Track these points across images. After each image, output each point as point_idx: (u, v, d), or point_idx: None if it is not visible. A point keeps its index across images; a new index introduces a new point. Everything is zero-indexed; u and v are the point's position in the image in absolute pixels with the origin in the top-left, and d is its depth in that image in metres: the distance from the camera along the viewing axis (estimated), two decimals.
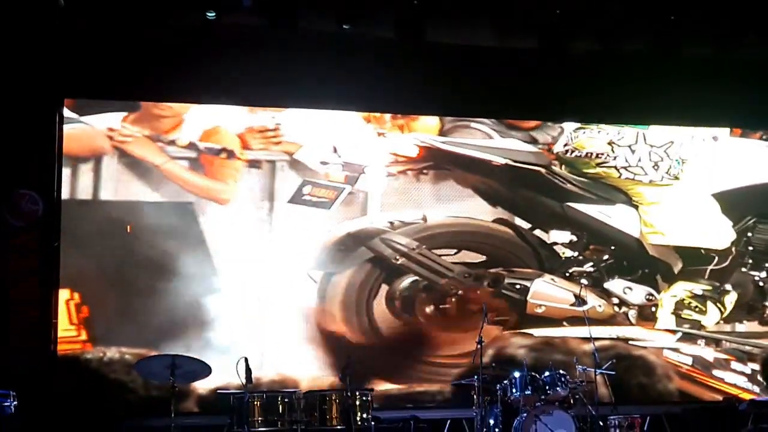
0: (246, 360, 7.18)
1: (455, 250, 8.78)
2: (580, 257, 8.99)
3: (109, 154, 8.27)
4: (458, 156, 8.78)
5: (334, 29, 8.20)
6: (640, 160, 9.10)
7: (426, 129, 8.78)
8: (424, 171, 8.73)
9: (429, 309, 8.70)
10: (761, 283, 9.31)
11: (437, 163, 8.76)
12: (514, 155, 8.89)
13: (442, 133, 8.81)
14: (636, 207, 9.05)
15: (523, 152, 8.93)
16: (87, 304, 8.09)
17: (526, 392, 7.53)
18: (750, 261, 9.29)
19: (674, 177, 9.12)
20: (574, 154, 9.06)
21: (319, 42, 8.34)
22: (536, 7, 8.25)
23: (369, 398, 7.63)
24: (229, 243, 8.30)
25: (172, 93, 8.44)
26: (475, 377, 7.60)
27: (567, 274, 8.93)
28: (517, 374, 7.62)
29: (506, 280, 8.78)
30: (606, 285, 9.02)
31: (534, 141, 8.97)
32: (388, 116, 8.75)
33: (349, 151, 8.57)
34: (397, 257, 8.56)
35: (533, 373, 7.66)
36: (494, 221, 8.89)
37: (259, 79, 8.44)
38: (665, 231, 9.03)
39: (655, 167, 9.11)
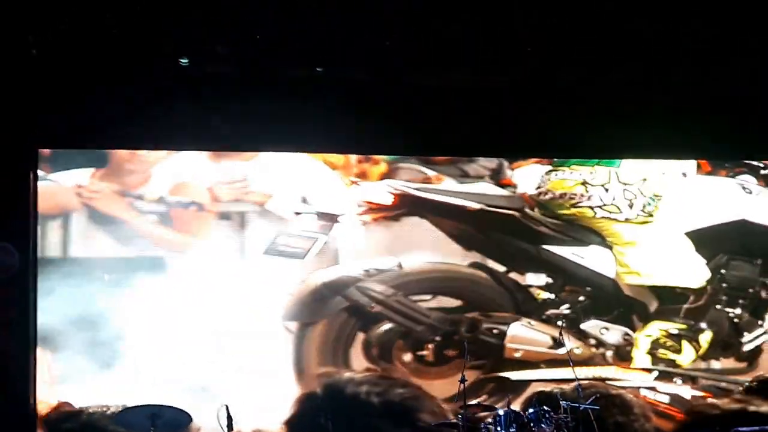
0: (227, 407, 7.09)
1: (431, 296, 8.75)
2: (556, 299, 8.98)
3: (77, 211, 8.18)
4: (432, 202, 8.75)
5: (306, 73, 8.20)
6: (614, 199, 9.12)
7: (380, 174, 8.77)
8: (399, 218, 8.71)
9: (407, 356, 8.66)
10: (736, 320, 9.33)
11: (411, 210, 8.73)
12: (488, 200, 8.87)
13: (389, 175, 8.78)
14: (610, 247, 9.06)
15: (497, 196, 8.92)
16: (61, 360, 7.99)
17: (510, 429, 7.36)
18: (724, 298, 9.31)
19: (649, 214, 9.14)
20: (548, 196, 9.07)
21: (291, 86, 8.32)
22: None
23: None
24: (202, 296, 8.21)
25: (143, 141, 8.35)
26: (459, 416, 7.49)
27: (543, 317, 8.91)
28: (501, 412, 7.49)
29: (483, 325, 8.75)
30: (582, 326, 9.00)
31: (465, 174, 8.92)
32: (352, 160, 8.71)
33: (322, 200, 8.53)
34: (373, 305, 8.51)
35: (517, 410, 7.58)
36: (469, 266, 8.86)
37: (231, 124, 8.34)
38: (640, 271, 9.04)
39: (630, 205, 9.13)
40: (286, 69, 8.23)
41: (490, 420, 7.56)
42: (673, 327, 9.11)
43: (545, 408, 7.65)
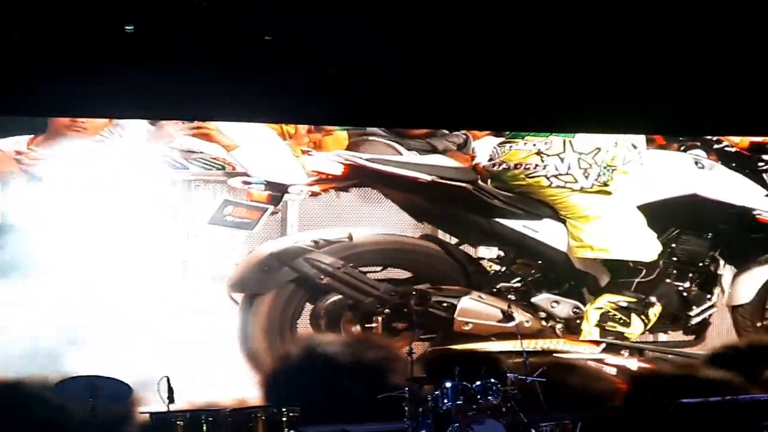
0: (168, 379, 7.07)
1: (381, 268, 8.65)
2: (508, 272, 8.95)
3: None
4: (383, 173, 8.61)
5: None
6: (569, 168, 9.07)
7: (336, 144, 8.60)
8: (349, 189, 8.57)
9: (355, 328, 8.57)
10: (685, 294, 9.39)
11: (362, 181, 8.60)
12: (441, 171, 8.76)
13: (350, 147, 8.62)
14: (564, 221, 9.02)
15: (449, 168, 8.80)
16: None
17: (457, 402, 7.41)
18: (674, 272, 9.35)
19: (604, 183, 9.10)
20: (502, 167, 8.98)
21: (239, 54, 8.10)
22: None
23: (297, 414, 7.45)
24: (147, 265, 8.04)
25: (87, 108, 8.10)
26: (406, 389, 7.52)
27: (494, 290, 8.88)
28: (448, 384, 7.50)
29: (433, 298, 8.68)
30: (533, 299, 8.98)
31: (434, 149, 8.82)
32: (303, 130, 8.52)
33: (271, 169, 8.35)
34: (322, 276, 8.39)
35: (464, 383, 7.56)
36: (420, 237, 8.77)
37: (178, 92, 8.15)
38: (593, 245, 9.02)
39: (585, 175, 9.09)
40: (237, 38, 8.02)
41: (437, 391, 7.58)
42: (623, 300, 9.12)
43: (492, 380, 7.68)
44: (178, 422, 7.22)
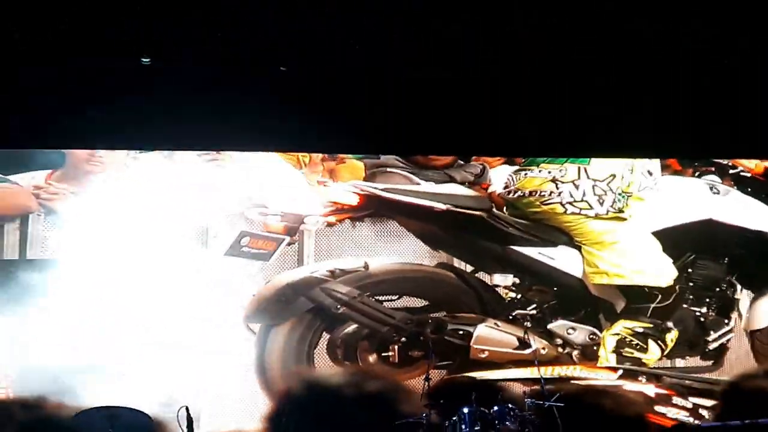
0: (187, 409, 7.07)
1: (397, 296, 8.68)
2: (523, 299, 8.94)
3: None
4: (399, 203, 8.65)
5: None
6: (584, 195, 9.08)
7: (353, 174, 8.66)
8: (365, 219, 8.62)
9: (371, 357, 8.60)
10: (702, 319, 9.35)
11: (378, 211, 8.64)
12: (456, 200, 8.78)
13: (366, 178, 8.68)
14: (579, 248, 9.01)
15: (465, 197, 8.83)
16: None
17: (475, 428, 7.40)
18: (691, 297, 9.31)
19: (619, 210, 9.10)
20: (517, 195, 9.01)
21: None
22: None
23: None
24: (165, 296, 8.09)
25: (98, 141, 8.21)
26: (423, 414, 7.53)
27: (510, 317, 8.88)
28: (465, 410, 7.49)
29: (449, 326, 8.70)
30: (549, 326, 8.97)
31: (452, 180, 8.87)
32: (318, 158, 8.59)
33: (287, 200, 8.42)
34: (338, 306, 8.42)
35: (482, 408, 7.55)
36: (436, 266, 8.80)
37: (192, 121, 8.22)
38: (608, 271, 9.00)
39: (600, 201, 9.09)
40: (253, 67, 8.09)
41: (455, 418, 7.58)
42: (639, 326, 9.10)
43: (510, 405, 7.69)
44: None
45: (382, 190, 8.63)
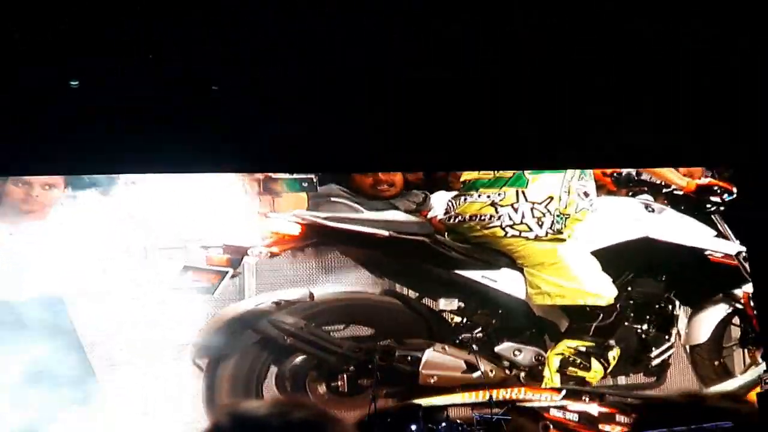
0: None
1: (344, 325, 8.68)
2: (469, 322, 9.00)
3: None
4: (342, 231, 8.68)
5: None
6: (523, 217, 9.21)
7: (297, 204, 8.67)
8: (308, 248, 8.62)
9: (321, 387, 8.55)
10: (644, 335, 9.52)
11: (321, 240, 8.65)
12: (398, 226, 8.84)
13: (309, 208, 8.70)
14: (521, 269, 9.13)
15: (407, 222, 8.90)
16: None
17: None
18: (632, 315, 9.48)
19: (558, 231, 9.24)
20: (457, 220, 9.11)
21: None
22: None
23: None
24: (106, 334, 7.97)
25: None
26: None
27: (457, 341, 8.92)
28: (413, 427, 7.56)
29: (397, 353, 8.72)
30: (496, 348, 9.04)
31: (395, 209, 8.95)
32: (255, 191, 8.59)
33: (229, 232, 8.38)
34: (285, 337, 8.38)
35: (430, 425, 7.59)
36: (381, 293, 8.83)
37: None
38: (550, 291, 9.13)
39: (539, 223, 9.23)
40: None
41: None
42: (582, 345, 9.21)
43: (458, 421, 7.79)
44: None
45: (324, 218, 8.66)
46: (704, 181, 9.89)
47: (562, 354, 9.17)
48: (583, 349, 9.20)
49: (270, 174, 8.54)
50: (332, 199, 8.71)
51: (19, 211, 8.07)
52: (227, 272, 8.33)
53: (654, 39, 8.50)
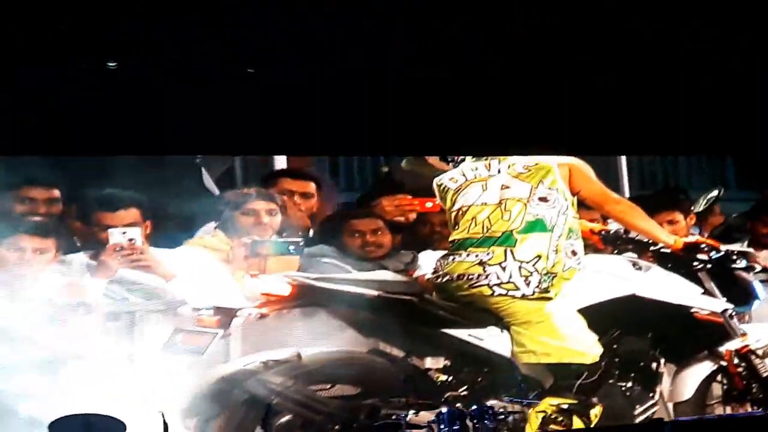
0: (163, 415, 7.22)
1: (330, 385, 8.83)
2: (455, 381, 9.14)
3: None
4: (330, 291, 8.84)
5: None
6: (511, 276, 9.33)
7: (288, 266, 8.87)
8: (297, 308, 8.78)
9: None
10: (628, 393, 9.66)
11: (309, 300, 8.81)
12: (386, 286, 8.99)
13: (300, 269, 8.93)
14: (507, 328, 9.27)
15: (395, 282, 9.07)
16: None
17: (454, 427, 7.66)
18: (617, 372, 9.64)
19: (545, 290, 9.36)
20: (445, 279, 9.25)
21: None
22: None
23: None
24: (98, 395, 8.11)
25: None
26: (403, 414, 7.81)
27: (443, 400, 9.05)
28: (444, 409, 7.82)
29: (383, 411, 8.86)
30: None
31: (384, 269, 9.19)
32: (242, 255, 8.81)
33: (219, 294, 8.57)
34: (272, 397, 8.54)
35: (460, 408, 7.82)
36: (368, 352, 8.99)
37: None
38: (536, 350, 9.26)
39: (527, 282, 9.36)
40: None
41: (432, 418, 7.85)
42: (564, 402, 9.29)
43: (488, 404, 7.99)
44: None
45: (314, 279, 8.82)
46: (692, 239, 10.06)
47: (544, 412, 9.29)
48: (565, 406, 9.32)
49: (256, 237, 8.77)
50: (323, 260, 8.88)
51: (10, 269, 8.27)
52: (218, 333, 8.50)
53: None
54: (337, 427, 8.76)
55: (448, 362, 9.16)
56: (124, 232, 8.39)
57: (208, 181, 8.95)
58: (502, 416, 7.96)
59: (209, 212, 8.91)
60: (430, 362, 9.10)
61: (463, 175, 9.65)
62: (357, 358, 8.93)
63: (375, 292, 8.96)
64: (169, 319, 8.45)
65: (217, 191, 9.04)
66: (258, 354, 8.62)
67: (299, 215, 9.24)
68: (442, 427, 7.68)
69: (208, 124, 8.66)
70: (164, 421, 7.19)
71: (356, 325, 8.95)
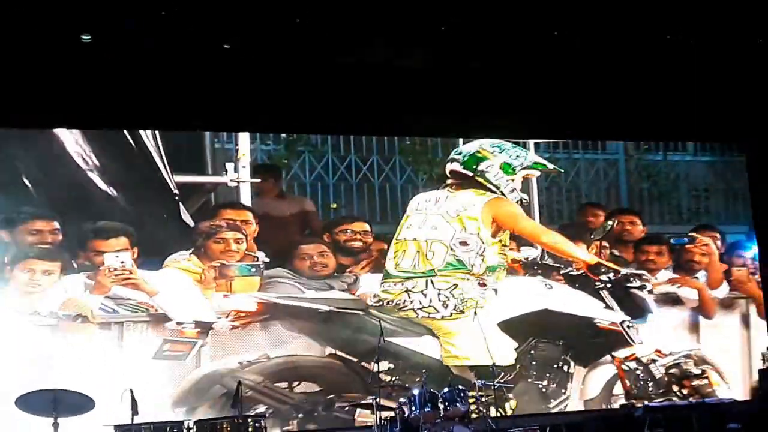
0: (131, 391, 7.88)
1: (296, 383, 10.81)
2: (398, 380, 10.89)
3: None
4: (291, 307, 10.90)
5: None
6: (431, 302, 11.27)
7: (250, 287, 10.76)
8: (264, 321, 10.79)
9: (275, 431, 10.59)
10: (543, 390, 11.56)
11: (274, 315, 10.87)
12: (336, 303, 11.06)
13: (261, 288, 10.83)
14: (438, 337, 11.23)
15: (343, 299, 11.13)
16: None
17: (425, 409, 8.16)
18: (534, 373, 11.55)
19: (461, 311, 11.25)
20: (379, 304, 11.24)
21: None
22: None
23: (262, 423, 8.76)
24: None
25: None
26: (372, 397, 8.49)
27: (388, 395, 10.47)
28: (416, 391, 8.35)
29: (337, 404, 10.77)
30: None
31: (330, 288, 11.10)
32: (211, 276, 10.63)
33: (198, 311, 10.53)
34: (247, 391, 10.29)
35: (432, 390, 8.37)
36: (327, 356, 10.99)
37: None
38: (459, 355, 11.16)
39: (444, 305, 11.28)
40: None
41: (404, 399, 8.38)
42: (484, 396, 10.36)
43: (460, 387, 8.53)
44: None
45: (276, 297, 10.85)
46: (593, 260, 11.88)
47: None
48: (484, 400, 10.46)
49: (224, 261, 10.70)
50: (279, 280, 10.91)
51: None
52: (197, 342, 10.52)
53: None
54: (300, 415, 10.65)
55: (392, 365, 11.01)
56: (117, 256, 10.00)
57: (185, 214, 10.63)
58: (473, 399, 8.52)
59: (185, 240, 10.69)
60: (376, 365, 10.34)
61: (417, 204, 11.55)
62: (317, 361, 10.90)
63: (327, 308, 10.99)
64: (153, 328, 10.30)
65: (192, 222, 10.75)
66: (233, 356, 10.64)
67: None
68: (413, 408, 8.32)
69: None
70: (133, 398, 7.78)
71: (314, 335, 10.96)
